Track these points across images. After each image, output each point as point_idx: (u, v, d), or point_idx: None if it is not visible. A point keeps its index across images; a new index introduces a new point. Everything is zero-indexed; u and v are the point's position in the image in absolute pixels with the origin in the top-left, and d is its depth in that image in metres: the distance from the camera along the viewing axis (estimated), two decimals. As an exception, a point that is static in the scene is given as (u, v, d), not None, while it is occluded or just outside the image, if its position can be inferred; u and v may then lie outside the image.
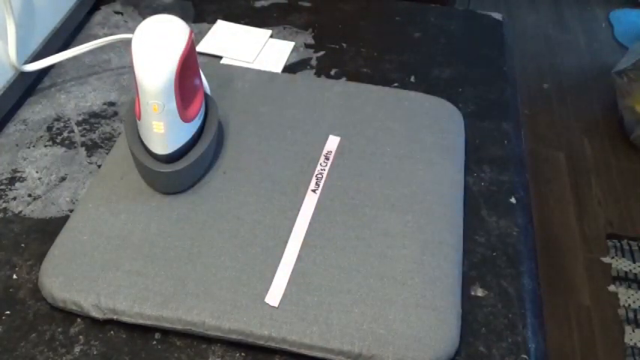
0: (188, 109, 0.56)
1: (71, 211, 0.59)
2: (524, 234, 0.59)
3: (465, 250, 0.58)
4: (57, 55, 0.70)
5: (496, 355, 0.50)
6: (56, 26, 0.75)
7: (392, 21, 0.86)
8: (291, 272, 0.52)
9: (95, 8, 0.84)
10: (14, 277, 0.53)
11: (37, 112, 0.69)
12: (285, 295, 0.51)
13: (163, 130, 0.54)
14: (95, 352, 0.49)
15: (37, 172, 0.62)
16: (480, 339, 0.51)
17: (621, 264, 1.62)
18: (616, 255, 1.64)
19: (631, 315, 1.51)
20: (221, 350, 0.50)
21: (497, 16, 0.88)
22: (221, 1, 0.87)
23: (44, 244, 0.56)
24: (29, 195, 0.60)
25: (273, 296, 0.50)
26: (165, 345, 0.50)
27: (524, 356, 0.50)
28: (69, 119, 0.68)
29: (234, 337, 0.49)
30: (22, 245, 0.56)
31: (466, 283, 0.55)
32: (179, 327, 0.49)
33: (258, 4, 0.87)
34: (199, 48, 0.78)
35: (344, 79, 0.75)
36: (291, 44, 0.80)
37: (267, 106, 0.67)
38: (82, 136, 0.66)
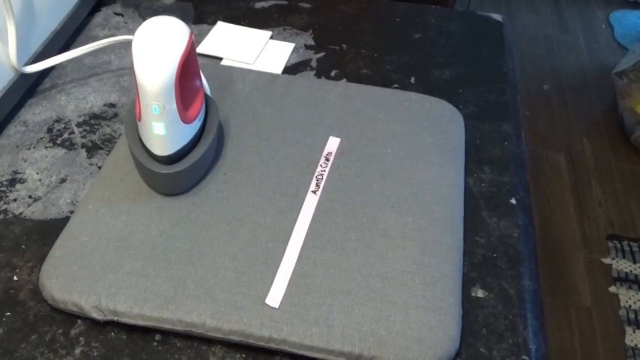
0: (188, 111, 0.56)
1: (71, 212, 0.59)
2: (525, 235, 0.59)
3: (466, 251, 0.58)
4: (57, 56, 0.70)
5: (497, 356, 0.50)
6: (56, 28, 0.75)
7: (392, 22, 0.86)
8: (292, 273, 0.52)
9: (95, 10, 0.84)
10: (15, 278, 0.53)
11: (37, 113, 0.69)
12: (285, 297, 0.51)
13: (164, 131, 0.54)
14: (96, 354, 0.49)
15: (37, 173, 0.62)
16: (480, 340, 0.51)
17: (622, 265, 1.62)
18: (616, 256, 1.64)
19: (632, 316, 1.51)
20: (221, 352, 0.50)
21: (497, 17, 0.88)
22: (221, 2, 0.87)
23: (45, 245, 0.56)
24: (30, 196, 0.60)
25: (274, 297, 0.50)
26: (166, 346, 0.50)
27: (525, 357, 0.50)
28: (69, 120, 0.68)
29: (234, 338, 0.49)
30: (23, 247, 0.56)
31: (466, 284, 0.55)
32: (179, 328, 0.49)
33: (258, 6, 0.87)
34: (200, 49, 0.78)
35: (344, 80, 0.75)
36: (291, 45, 0.80)
37: (267, 107, 0.67)
38: (83, 137, 0.66)
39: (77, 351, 0.49)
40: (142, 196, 0.57)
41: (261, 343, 0.49)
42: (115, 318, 0.49)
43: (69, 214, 0.59)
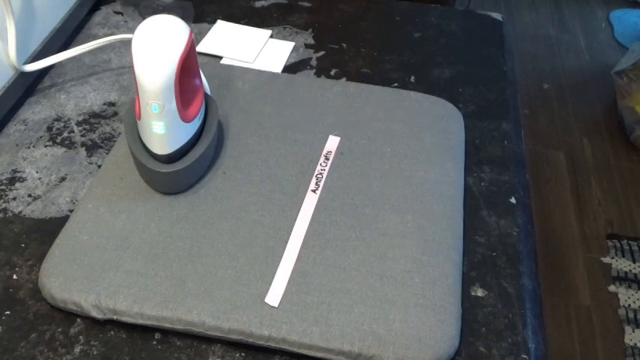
0: (188, 110, 0.56)
1: (71, 211, 0.59)
2: (524, 234, 0.59)
3: (465, 250, 0.58)
4: (57, 55, 0.70)
5: (496, 355, 0.50)
6: (56, 26, 0.75)
7: (392, 21, 0.86)
8: (291, 272, 0.52)
9: (95, 8, 0.84)
10: (14, 277, 0.53)
11: (37, 112, 0.69)
12: (285, 295, 0.51)
13: (163, 130, 0.54)
14: (95, 353, 0.49)
15: (37, 172, 0.62)
16: (480, 339, 0.51)
17: (621, 264, 1.62)
18: (616, 255, 1.64)
19: (631, 315, 1.51)
20: (221, 350, 0.50)
21: (497, 16, 0.88)
22: (221, 1, 0.87)
23: (44, 244, 0.56)
24: (29, 195, 0.60)
25: (273, 296, 0.50)
26: (166, 345, 0.50)
27: (524, 356, 0.50)
28: (69, 119, 0.68)
29: (234, 337, 0.49)
30: (22, 245, 0.56)
31: (466, 283, 0.55)
32: (179, 327, 0.49)
33: (258, 5, 0.87)
34: (199, 48, 0.78)
35: (344, 79, 0.75)
36: (291, 44, 0.80)
37: (267, 106, 0.67)
38: (82, 136, 0.66)
39: (77, 350, 0.49)
40: (141, 194, 0.57)
41: (261, 342, 0.49)
42: (115, 317, 0.49)
43: (68, 213, 0.59)
